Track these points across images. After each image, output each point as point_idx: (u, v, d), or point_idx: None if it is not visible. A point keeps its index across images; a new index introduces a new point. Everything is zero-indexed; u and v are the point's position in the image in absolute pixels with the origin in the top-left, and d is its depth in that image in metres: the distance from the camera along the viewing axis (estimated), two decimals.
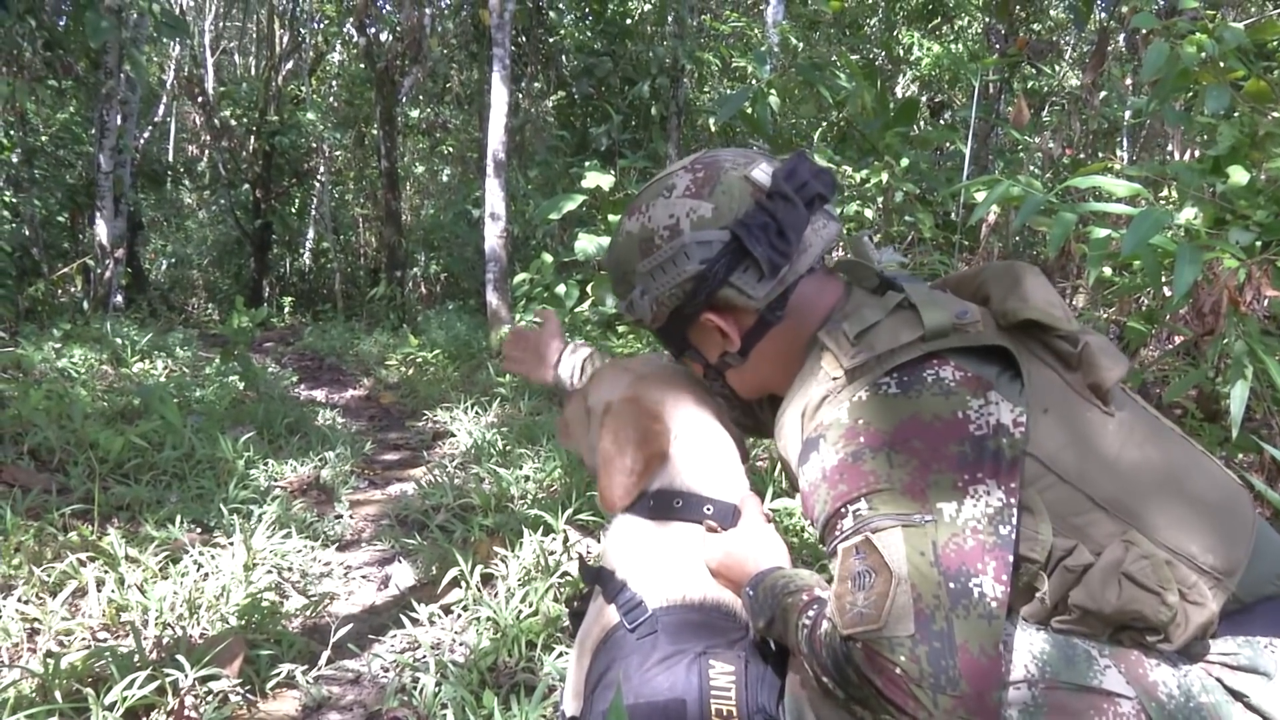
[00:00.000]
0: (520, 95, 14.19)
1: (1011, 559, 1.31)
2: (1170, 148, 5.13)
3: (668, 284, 1.59)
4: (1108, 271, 4.19)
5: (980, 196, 4.51)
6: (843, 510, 1.37)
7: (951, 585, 1.26)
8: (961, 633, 1.23)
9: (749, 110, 7.37)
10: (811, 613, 1.40)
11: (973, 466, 1.33)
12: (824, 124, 8.78)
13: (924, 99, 11.92)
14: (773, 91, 7.34)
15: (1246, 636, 1.40)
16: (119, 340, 8.78)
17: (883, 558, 1.29)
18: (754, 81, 7.84)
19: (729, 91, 12.43)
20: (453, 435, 5.97)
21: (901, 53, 12.44)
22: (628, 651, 1.60)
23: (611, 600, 1.69)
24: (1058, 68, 12.07)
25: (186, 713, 2.54)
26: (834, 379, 1.47)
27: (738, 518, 1.71)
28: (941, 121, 12.03)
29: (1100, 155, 7.39)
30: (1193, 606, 1.37)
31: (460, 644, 3.04)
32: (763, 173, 1.57)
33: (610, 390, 1.88)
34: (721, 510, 1.72)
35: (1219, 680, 1.38)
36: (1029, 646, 1.37)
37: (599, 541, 3.79)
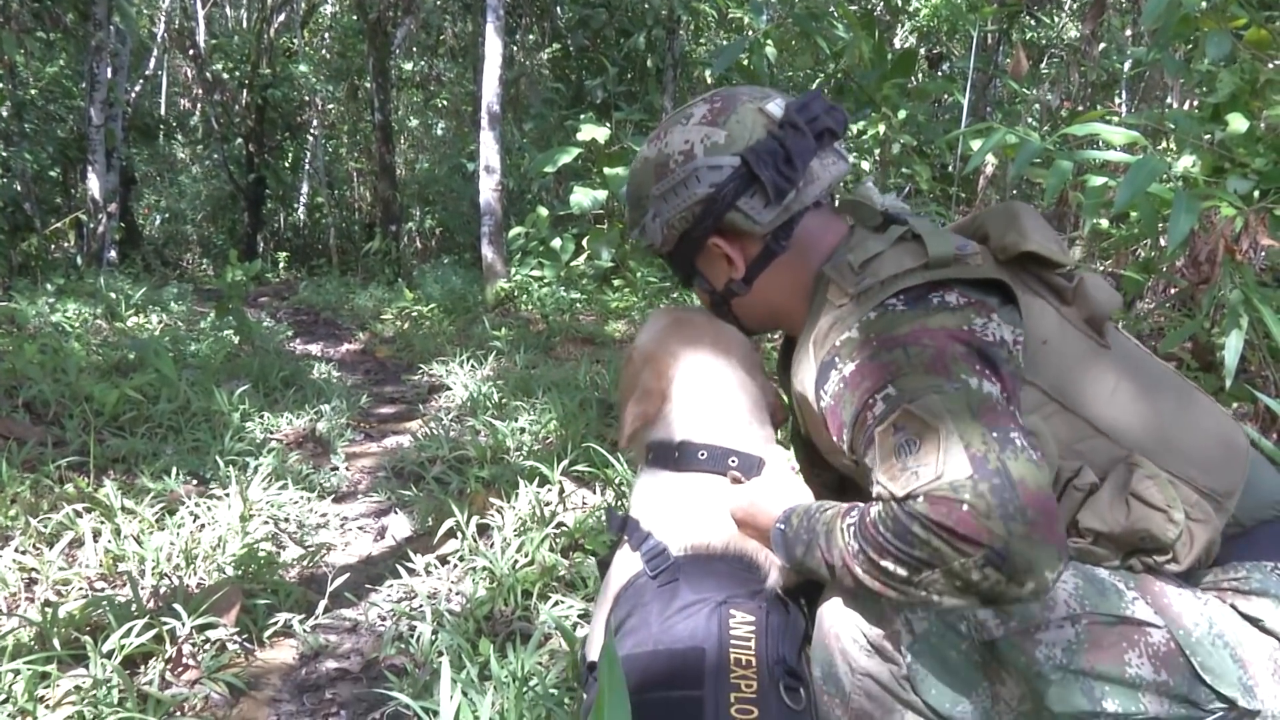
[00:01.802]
0: (515, 48, 14.06)
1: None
2: (1169, 99, 5.09)
3: (678, 206, 1.64)
4: (1104, 223, 4.18)
5: (977, 146, 4.49)
6: (871, 401, 1.38)
7: (995, 434, 1.26)
8: (1016, 470, 1.23)
9: (745, 62, 7.32)
10: (855, 513, 1.37)
11: (981, 363, 1.36)
12: (821, 75, 8.71)
13: (922, 50, 11.81)
14: (769, 42, 7.28)
15: (1254, 560, 1.44)
16: (113, 295, 8.75)
17: (924, 421, 1.30)
18: (750, 32, 7.76)
19: (725, 43, 12.32)
20: (448, 389, 5.97)
21: (899, 3, 12.31)
22: (648, 599, 1.61)
23: (636, 548, 1.70)
24: (1057, 18, 11.94)
25: (184, 661, 2.56)
26: (840, 305, 1.50)
27: (763, 469, 1.72)
28: (939, 73, 11.94)
29: (1099, 107, 7.34)
30: (1197, 524, 1.41)
31: (457, 594, 3.05)
32: (777, 105, 1.62)
33: (643, 337, 1.90)
34: (747, 462, 1.72)
35: (1233, 607, 1.41)
36: (1063, 584, 1.38)
37: (594, 493, 3.80)
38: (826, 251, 1.62)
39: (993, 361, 1.37)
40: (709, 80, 12.84)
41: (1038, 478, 1.24)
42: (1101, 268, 4.54)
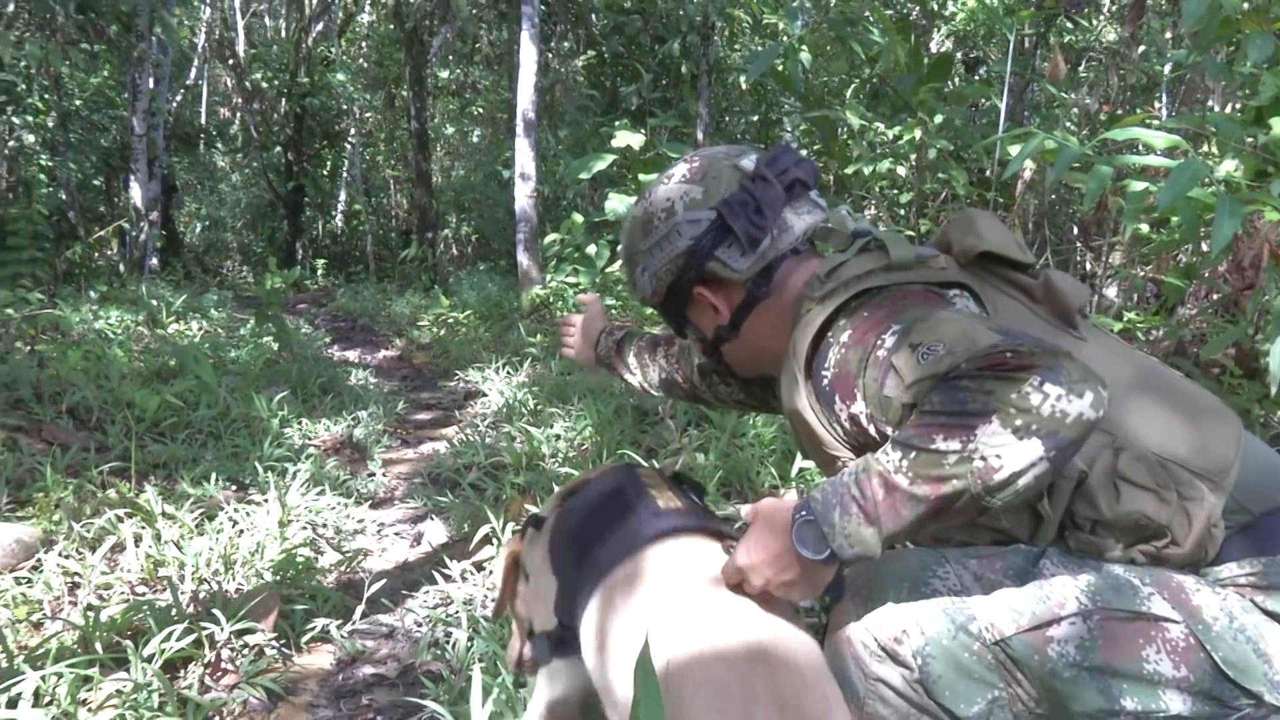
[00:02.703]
0: (550, 55, 14.10)
1: None
2: (1210, 102, 5.03)
3: (663, 260, 1.75)
4: (1144, 228, 4.13)
5: (1015, 151, 4.45)
6: (878, 341, 1.41)
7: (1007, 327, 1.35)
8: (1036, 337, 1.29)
9: (780, 67, 7.30)
10: (885, 445, 1.31)
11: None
12: (856, 80, 8.67)
13: (958, 54, 11.73)
14: (804, 48, 7.26)
15: (1270, 556, 1.42)
16: (154, 302, 8.87)
17: (937, 327, 1.34)
18: (785, 38, 7.74)
19: (759, 49, 12.30)
20: (484, 395, 6.00)
21: (935, 7, 12.23)
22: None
23: None
24: (1095, 21, 11.82)
25: (223, 665, 2.58)
26: (807, 312, 1.59)
27: None
28: (976, 77, 11.84)
29: (1138, 111, 7.26)
30: (1192, 503, 1.40)
31: (492, 600, 3.06)
32: (749, 161, 1.72)
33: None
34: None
35: (1253, 602, 1.40)
36: (1074, 580, 1.38)
37: None
38: (803, 285, 1.69)
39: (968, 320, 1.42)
40: (744, 86, 12.81)
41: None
42: (1142, 273, 4.48)
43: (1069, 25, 11.13)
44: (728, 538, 1.57)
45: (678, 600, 1.44)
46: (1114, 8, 12.31)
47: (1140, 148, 3.01)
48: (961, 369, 1.24)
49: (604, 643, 1.50)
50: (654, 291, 1.81)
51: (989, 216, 1.66)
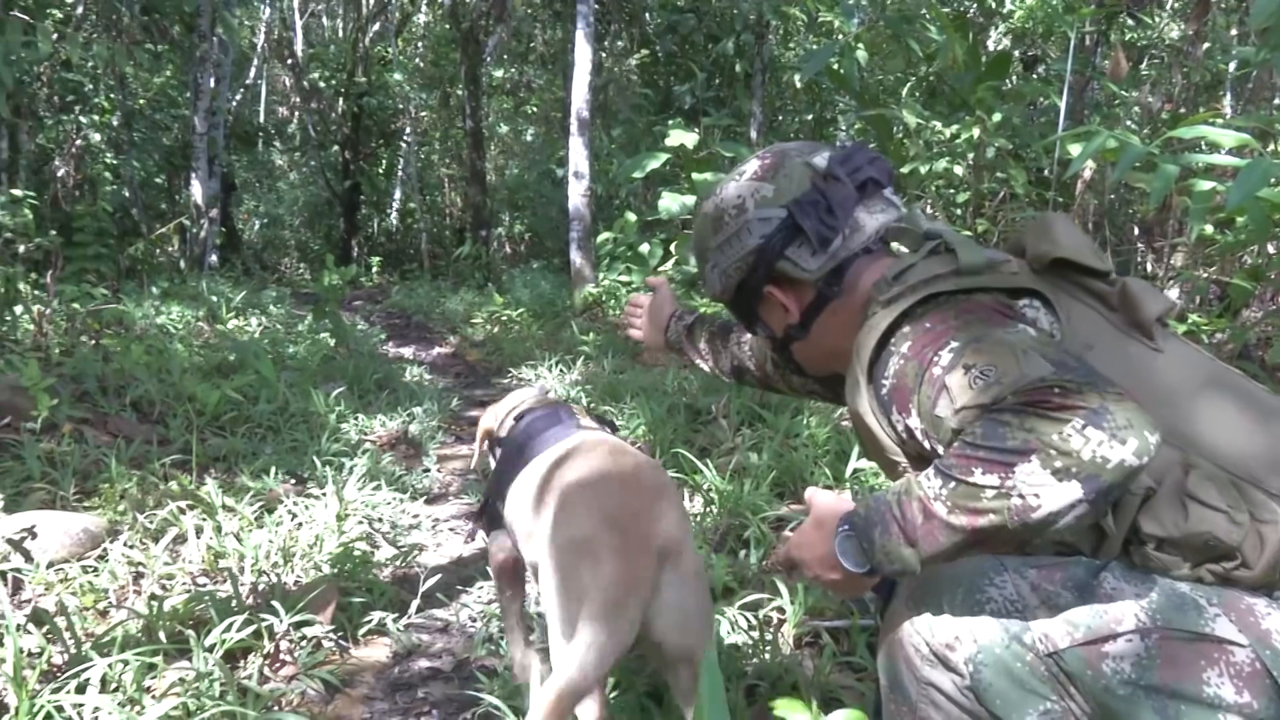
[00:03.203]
0: (603, 54, 14.14)
1: None
2: (1278, 100, 4.92)
3: (733, 257, 1.73)
4: (1209, 229, 4.05)
5: (1076, 150, 4.38)
6: (935, 357, 1.37)
7: (1056, 358, 1.28)
8: (1095, 370, 1.27)
9: (835, 66, 7.25)
10: (933, 464, 1.31)
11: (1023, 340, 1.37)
12: (913, 79, 8.59)
13: (1017, 52, 11.58)
14: (860, 46, 7.20)
15: None
16: (214, 298, 9.02)
17: (994, 350, 1.30)
18: (841, 36, 7.70)
19: (815, 47, 12.23)
20: None
21: (993, 4, 12.08)
22: None
23: None
24: (1158, 18, 11.61)
25: (281, 657, 2.62)
26: (872, 314, 1.54)
27: None
28: (1035, 75, 11.69)
29: (1202, 110, 7.12)
30: (1265, 525, 1.33)
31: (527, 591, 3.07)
32: (822, 159, 1.68)
33: None
34: None
35: None
36: (1136, 597, 1.34)
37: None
38: (870, 289, 1.64)
39: (1036, 340, 1.37)
40: (798, 85, 12.75)
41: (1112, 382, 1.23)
42: (1205, 275, 4.40)
43: (1130, 22, 10.95)
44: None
45: (561, 453, 2.13)
46: (1177, 4, 12.09)
47: (1204, 146, 2.95)
48: (1007, 402, 1.22)
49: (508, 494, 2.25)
50: (724, 289, 1.79)
51: (1066, 221, 1.60)
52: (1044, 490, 1.17)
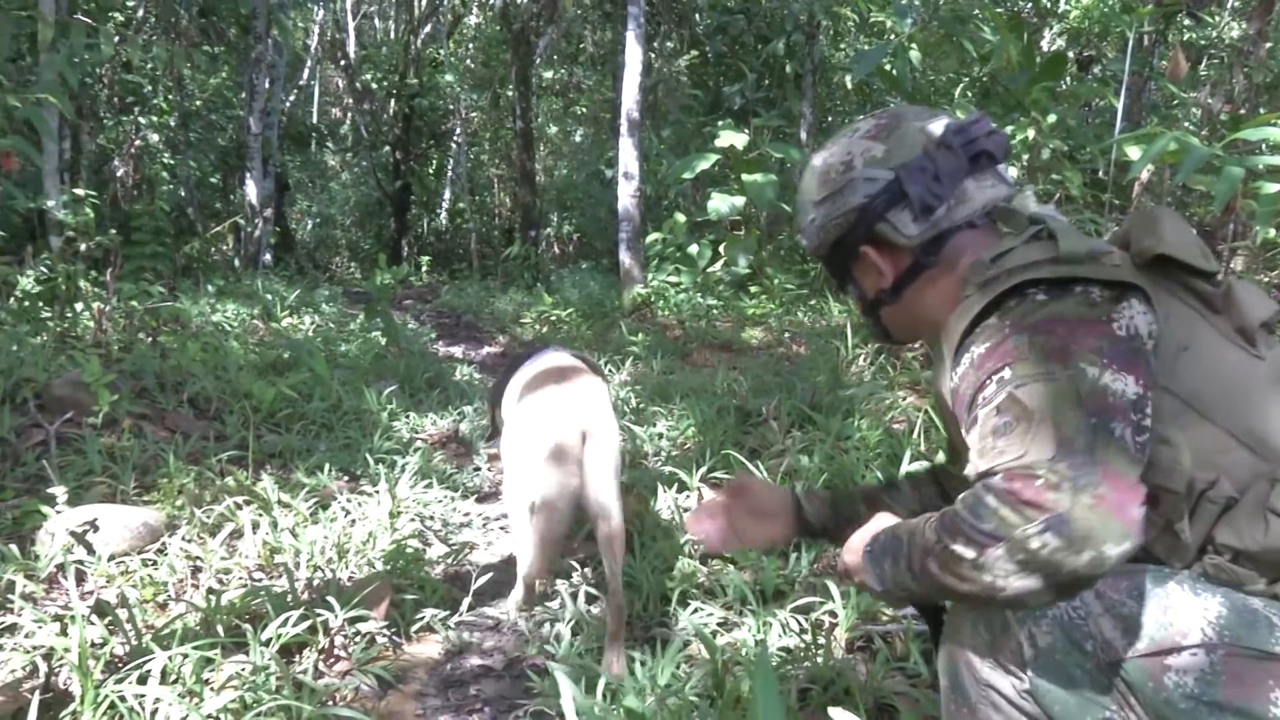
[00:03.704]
0: (653, 55, 14.14)
1: (1146, 436, 1.29)
2: None
3: (833, 214, 1.70)
4: (1272, 232, 3.98)
5: (1134, 152, 4.31)
6: (987, 381, 1.38)
7: (1094, 421, 1.26)
8: (1103, 455, 1.23)
9: (888, 66, 7.20)
10: (937, 515, 1.36)
11: (1112, 357, 1.33)
12: (966, 79, 8.51)
13: (1072, 52, 11.42)
14: (913, 46, 7.14)
15: None
16: (269, 296, 9.13)
17: (1025, 406, 1.30)
18: (893, 36, 7.64)
19: (866, 47, 12.15)
20: None
21: (1048, 4, 11.93)
22: None
23: None
24: (1218, 17, 11.41)
25: (336, 652, 2.65)
26: (966, 297, 1.52)
27: None
28: (1090, 76, 11.53)
29: (1264, 111, 6.97)
30: None
31: (596, 596, 3.08)
32: (938, 126, 1.65)
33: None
34: None
35: None
36: (1204, 610, 1.32)
37: None
38: (969, 269, 1.61)
39: (1127, 357, 1.33)
40: (849, 86, 12.66)
41: (1126, 466, 1.23)
42: (1266, 279, 4.32)
43: (1190, 22, 10.77)
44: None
45: (533, 366, 2.94)
46: (1238, 3, 11.87)
47: (1266, 148, 2.90)
48: (993, 482, 1.26)
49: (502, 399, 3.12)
50: (820, 244, 1.77)
51: (1174, 217, 1.55)
52: (1009, 578, 1.23)
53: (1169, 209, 1.59)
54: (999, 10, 9.61)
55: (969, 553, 1.25)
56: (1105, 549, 1.17)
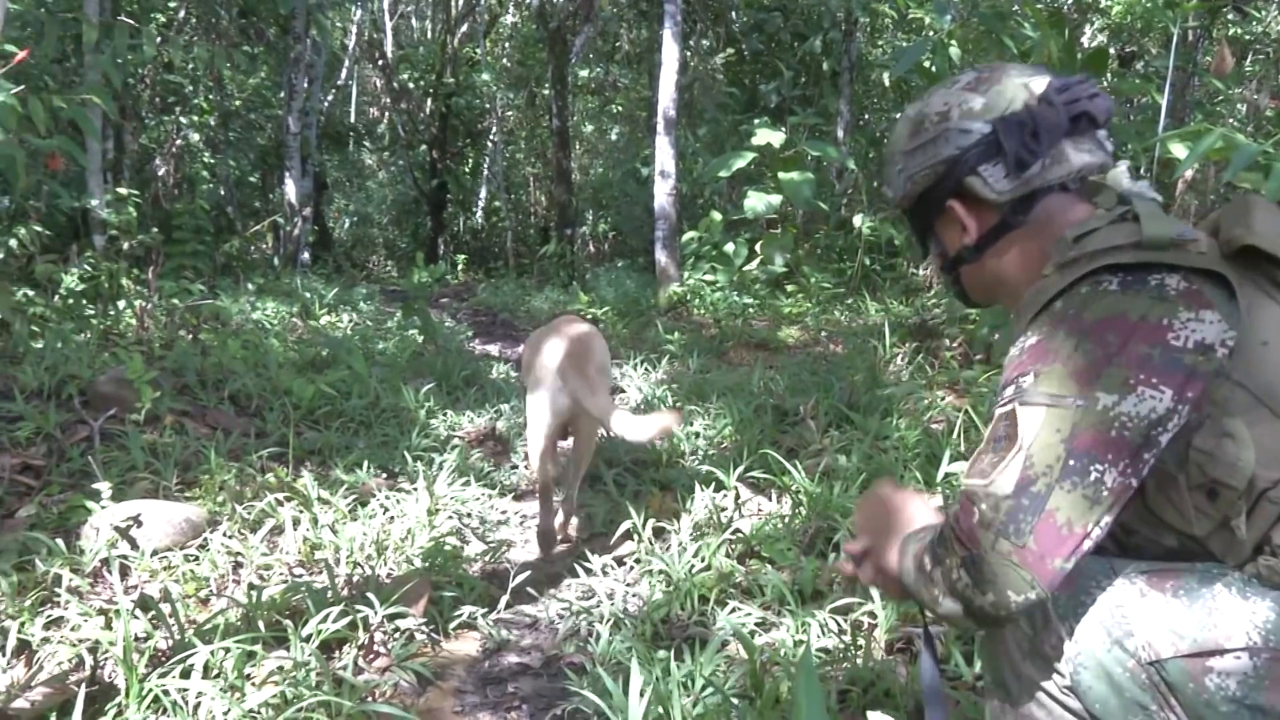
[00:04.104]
0: (689, 53, 14.12)
1: (1150, 463, 1.31)
2: None
3: (923, 164, 1.66)
4: None
5: (1179, 150, 4.25)
6: (1012, 379, 1.40)
7: (1071, 462, 1.29)
8: (1056, 501, 1.28)
9: (927, 63, 7.14)
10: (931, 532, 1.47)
11: (1154, 370, 1.31)
12: None
13: (1114, 48, 11.29)
14: (953, 42, 7.08)
15: None
16: (307, 294, 9.21)
17: (1017, 430, 1.34)
18: (932, 32, 7.57)
19: (904, 44, 12.06)
20: (623, 391, 6.04)
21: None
22: None
23: None
24: (1264, 12, 11.23)
25: (375, 648, 2.66)
26: (1045, 275, 1.49)
27: None
28: (1132, 73, 11.39)
29: None
30: None
31: (633, 595, 3.08)
32: (1040, 83, 1.60)
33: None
34: None
35: None
36: (1251, 614, 1.29)
37: (770, 500, 3.78)
38: (1061, 231, 1.56)
39: (1172, 369, 1.31)
40: (886, 83, 12.59)
41: (1077, 514, 1.28)
42: None
43: (1235, 16, 10.61)
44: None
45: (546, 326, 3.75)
46: None
47: None
48: (952, 512, 1.38)
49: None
50: (906, 194, 1.72)
51: (1269, 207, 1.49)
52: (941, 597, 1.38)
53: (1263, 198, 1.52)
54: (1039, 6, 9.52)
55: (927, 564, 1.40)
56: (1008, 595, 1.28)
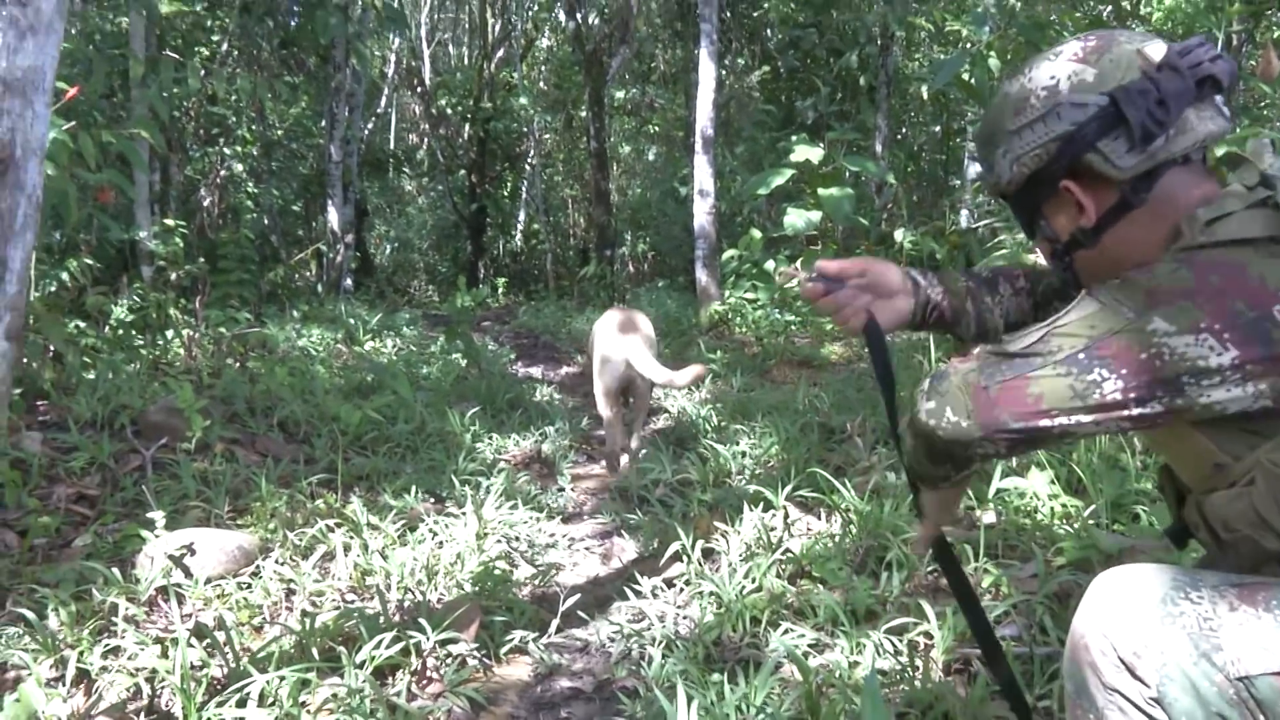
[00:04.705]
0: (724, 71, 14.15)
1: (1162, 407, 1.30)
2: None
3: (1033, 143, 1.54)
4: None
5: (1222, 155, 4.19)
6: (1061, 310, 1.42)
7: (1081, 356, 1.32)
8: (1042, 374, 1.33)
9: (966, 75, 7.11)
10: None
11: (1235, 327, 1.26)
12: None
13: None
14: (992, 54, 7.05)
15: None
16: (351, 320, 9.29)
17: (1072, 329, 1.35)
18: (969, 45, 7.54)
19: (941, 57, 12.02)
20: (667, 411, 6.03)
21: (1129, 6, 11.69)
22: None
23: None
24: None
25: (428, 674, 2.66)
26: (1163, 262, 1.41)
27: None
28: None
29: None
30: None
31: (684, 617, 3.06)
32: (1156, 48, 1.50)
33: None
34: None
35: None
36: None
37: (820, 519, 3.74)
38: (1187, 210, 1.47)
39: (1258, 338, 1.27)
40: (925, 96, 12.54)
41: (1052, 397, 1.33)
42: None
43: (1279, 19, 10.47)
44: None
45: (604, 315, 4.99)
46: None
47: None
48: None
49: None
50: (1011, 179, 1.60)
51: None
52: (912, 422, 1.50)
53: None
54: (1078, 14, 9.45)
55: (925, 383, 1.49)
56: (945, 411, 1.38)
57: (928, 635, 2.64)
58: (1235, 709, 1.28)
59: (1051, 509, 3.41)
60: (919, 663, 2.49)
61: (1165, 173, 1.48)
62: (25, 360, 4.42)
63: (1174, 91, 1.44)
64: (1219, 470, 1.43)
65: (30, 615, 2.64)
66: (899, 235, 9.46)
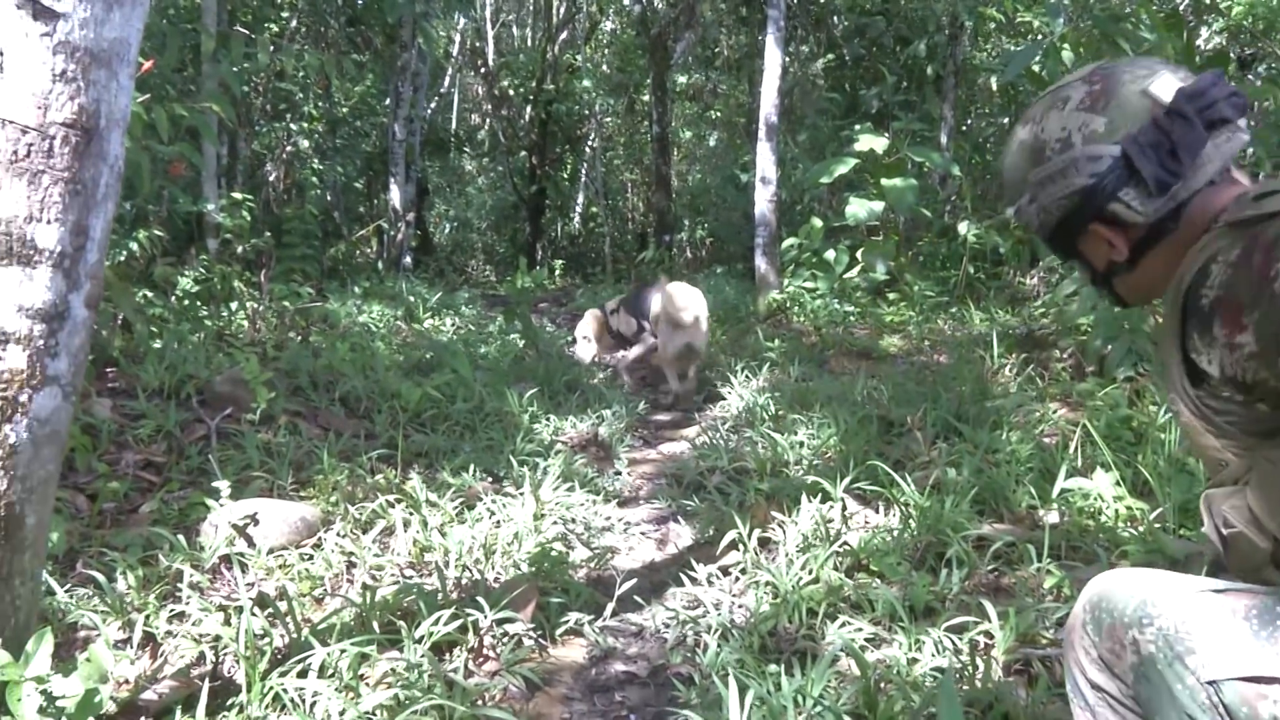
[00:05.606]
0: (789, 58, 14.03)
1: None
2: None
3: (1056, 195, 1.56)
4: None
5: None
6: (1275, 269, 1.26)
7: None
8: None
9: (1038, 67, 6.97)
10: None
11: None
12: None
13: (1233, 51, 10.89)
14: (1065, 45, 6.90)
15: None
16: (411, 298, 9.36)
17: None
18: (1041, 36, 7.39)
19: (1011, 48, 11.81)
20: (724, 398, 6.01)
21: (1207, 1, 11.39)
22: None
23: None
24: None
25: (484, 652, 2.68)
26: (1206, 234, 1.39)
27: None
28: (1253, 76, 10.98)
29: None
30: None
31: (740, 606, 3.05)
32: (1163, 87, 1.49)
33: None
34: None
35: None
36: None
37: (878, 513, 3.71)
38: (1217, 212, 1.46)
39: None
40: (993, 87, 12.34)
41: None
42: None
43: None
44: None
45: (663, 288, 6.40)
46: None
47: None
48: None
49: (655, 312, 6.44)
50: (1041, 225, 1.64)
51: None
52: None
53: None
54: (1155, 7, 9.23)
55: None
56: None
57: (988, 634, 2.60)
58: (1207, 714, 1.29)
59: (1116, 511, 3.35)
60: (979, 662, 2.46)
61: (1191, 201, 1.48)
62: (96, 328, 4.50)
63: (1187, 142, 1.44)
64: (1223, 467, 1.46)
65: (100, 578, 2.70)
66: (962, 228, 9.33)
